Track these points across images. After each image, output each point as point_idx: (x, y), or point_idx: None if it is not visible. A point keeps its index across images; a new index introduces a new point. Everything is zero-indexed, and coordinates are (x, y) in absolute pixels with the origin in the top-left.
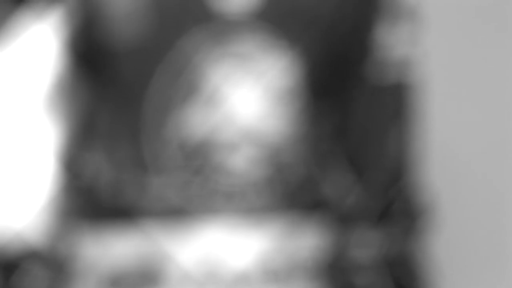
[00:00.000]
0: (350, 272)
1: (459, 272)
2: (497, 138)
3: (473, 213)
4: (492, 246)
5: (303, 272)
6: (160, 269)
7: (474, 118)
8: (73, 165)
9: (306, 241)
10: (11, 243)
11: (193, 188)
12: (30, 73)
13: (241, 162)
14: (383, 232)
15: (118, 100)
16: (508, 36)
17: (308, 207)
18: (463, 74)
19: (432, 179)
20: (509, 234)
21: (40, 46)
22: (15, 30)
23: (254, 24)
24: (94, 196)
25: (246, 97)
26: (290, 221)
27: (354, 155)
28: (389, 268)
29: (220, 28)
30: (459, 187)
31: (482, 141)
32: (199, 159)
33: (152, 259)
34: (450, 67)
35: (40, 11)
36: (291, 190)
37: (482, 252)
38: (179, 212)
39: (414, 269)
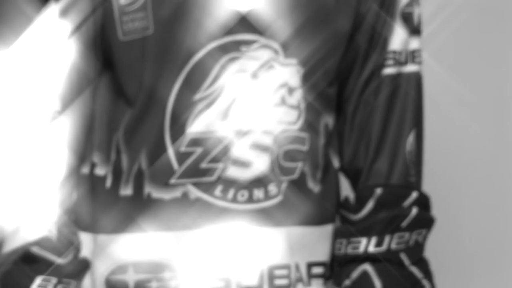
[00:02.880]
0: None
1: (452, 274)
2: (494, 140)
3: (468, 215)
4: (486, 248)
5: (313, 280)
6: (159, 278)
7: (469, 119)
8: (86, 162)
9: (317, 249)
10: (18, 234)
11: (200, 195)
12: (47, 67)
13: (248, 165)
14: (395, 241)
15: (137, 105)
16: (507, 37)
17: (319, 215)
18: (461, 75)
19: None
20: (507, 236)
21: (60, 40)
22: (36, 24)
23: (264, 35)
24: (103, 193)
25: (253, 100)
26: (300, 228)
27: (367, 164)
28: (403, 274)
29: (232, 39)
30: (451, 189)
31: (480, 141)
32: (207, 162)
33: (152, 266)
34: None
35: (63, 7)
36: (299, 199)
37: (475, 254)
38: (183, 217)
39: (427, 272)
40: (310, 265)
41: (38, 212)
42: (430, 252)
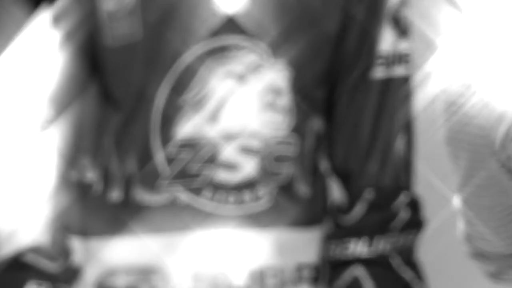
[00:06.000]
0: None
1: (445, 276)
2: None
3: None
4: None
5: (301, 282)
6: (150, 281)
7: None
8: (76, 167)
9: (305, 251)
10: (11, 240)
11: (190, 197)
12: (38, 74)
13: (236, 168)
14: (386, 242)
15: (126, 109)
16: None
17: (309, 218)
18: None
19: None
20: None
21: (51, 47)
22: (28, 30)
23: (251, 37)
24: (93, 198)
25: (241, 103)
26: (289, 231)
27: (358, 166)
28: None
29: (220, 43)
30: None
31: None
32: (196, 165)
33: (142, 270)
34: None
35: (53, 14)
36: (288, 203)
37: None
38: (175, 221)
39: (418, 273)
40: (298, 268)
41: (31, 218)
42: (423, 253)
